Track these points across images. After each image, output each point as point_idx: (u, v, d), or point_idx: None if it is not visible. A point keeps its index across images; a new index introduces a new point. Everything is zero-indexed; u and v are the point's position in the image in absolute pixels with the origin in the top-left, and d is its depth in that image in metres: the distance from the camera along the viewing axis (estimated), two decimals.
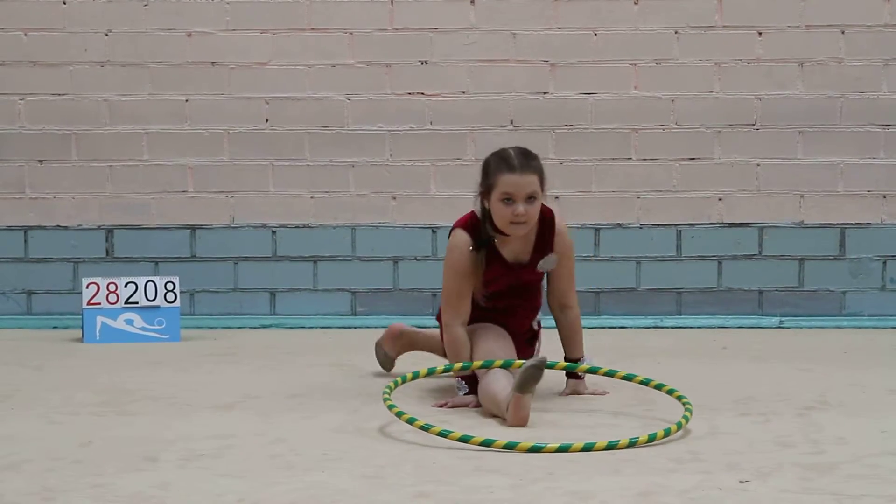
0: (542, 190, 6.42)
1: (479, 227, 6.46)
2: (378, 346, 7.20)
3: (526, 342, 6.75)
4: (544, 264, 6.54)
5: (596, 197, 8.48)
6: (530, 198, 6.38)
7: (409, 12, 8.43)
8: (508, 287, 6.56)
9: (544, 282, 6.63)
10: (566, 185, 8.35)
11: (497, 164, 6.41)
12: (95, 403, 6.59)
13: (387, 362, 7.19)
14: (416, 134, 8.51)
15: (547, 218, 6.52)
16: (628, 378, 6.43)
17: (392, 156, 8.56)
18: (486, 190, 6.42)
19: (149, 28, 8.52)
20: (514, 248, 6.51)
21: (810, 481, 5.32)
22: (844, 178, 8.51)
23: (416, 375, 6.44)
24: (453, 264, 6.49)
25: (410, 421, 5.98)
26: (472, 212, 6.49)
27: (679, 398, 6.24)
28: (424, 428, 5.90)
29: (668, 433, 5.84)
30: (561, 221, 6.54)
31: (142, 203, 8.57)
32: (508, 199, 6.35)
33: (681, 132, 8.51)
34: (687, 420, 6.01)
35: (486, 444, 5.74)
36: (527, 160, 6.41)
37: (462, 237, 6.48)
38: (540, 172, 6.42)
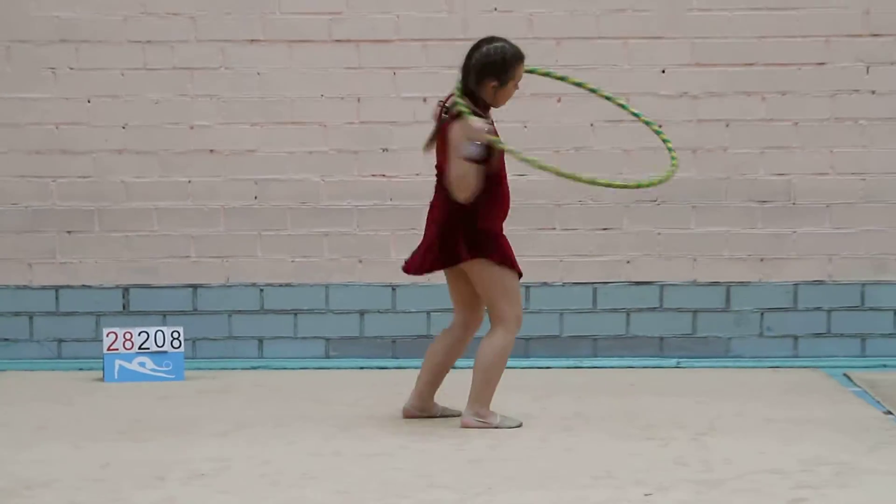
0: None
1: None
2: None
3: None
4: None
5: (527, 260, 8.47)
6: None
7: (373, 109, 8.47)
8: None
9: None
10: None
11: (514, 55, 6.45)
12: (114, 432, 6.59)
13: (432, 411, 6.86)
14: (378, 208, 8.53)
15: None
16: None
17: (359, 226, 8.58)
18: (504, 78, 6.41)
19: (158, 122, 8.52)
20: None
21: (702, 494, 5.38)
22: (729, 245, 8.55)
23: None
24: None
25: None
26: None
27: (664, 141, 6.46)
28: None
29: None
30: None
31: (152, 266, 8.55)
32: (518, 86, 6.50)
33: (596, 207, 8.55)
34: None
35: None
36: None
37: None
38: None
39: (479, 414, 6.59)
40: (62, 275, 8.54)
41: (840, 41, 8.47)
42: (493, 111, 6.59)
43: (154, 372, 8.05)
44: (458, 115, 6.33)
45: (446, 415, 6.79)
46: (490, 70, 6.43)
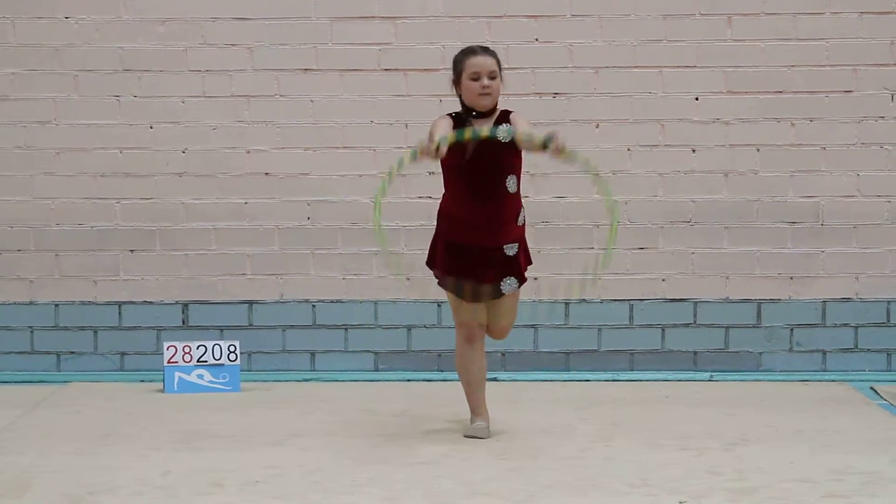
0: (500, 73, 6.47)
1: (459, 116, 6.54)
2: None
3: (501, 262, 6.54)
4: (502, 130, 6.43)
5: (566, 278, 8.48)
6: (492, 76, 6.43)
7: (420, 134, 8.42)
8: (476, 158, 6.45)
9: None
10: (543, 268, 8.33)
11: (463, 53, 6.49)
12: (174, 441, 6.59)
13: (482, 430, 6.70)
14: (425, 228, 8.50)
15: (506, 111, 6.53)
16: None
17: (406, 246, 8.57)
18: (457, 76, 6.47)
19: (216, 147, 8.54)
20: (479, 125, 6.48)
21: (735, 502, 5.33)
22: (760, 264, 8.50)
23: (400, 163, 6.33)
24: (435, 122, 6.53)
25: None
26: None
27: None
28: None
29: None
30: (516, 112, 6.57)
31: (210, 283, 8.56)
32: (476, 77, 6.39)
33: (632, 227, 8.52)
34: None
35: None
36: (486, 49, 6.51)
37: (444, 116, 6.57)
38: (497, 59, 6.49)
39: None
40: (125, 291, 8.56)
41: (866, 70, 8.42)
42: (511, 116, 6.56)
43: (212, 384, 8.06)
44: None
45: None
46: (452, 71, 6.56)
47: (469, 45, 6.69)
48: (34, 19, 8.49)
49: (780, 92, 8.44)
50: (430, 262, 6.71)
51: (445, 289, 6.62)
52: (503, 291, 6.54)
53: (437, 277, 6.65)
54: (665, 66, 8.46)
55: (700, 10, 8.43)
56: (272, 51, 8.50)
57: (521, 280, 6.60)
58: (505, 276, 6.54)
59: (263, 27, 8.49)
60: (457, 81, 6.51)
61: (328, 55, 8.51)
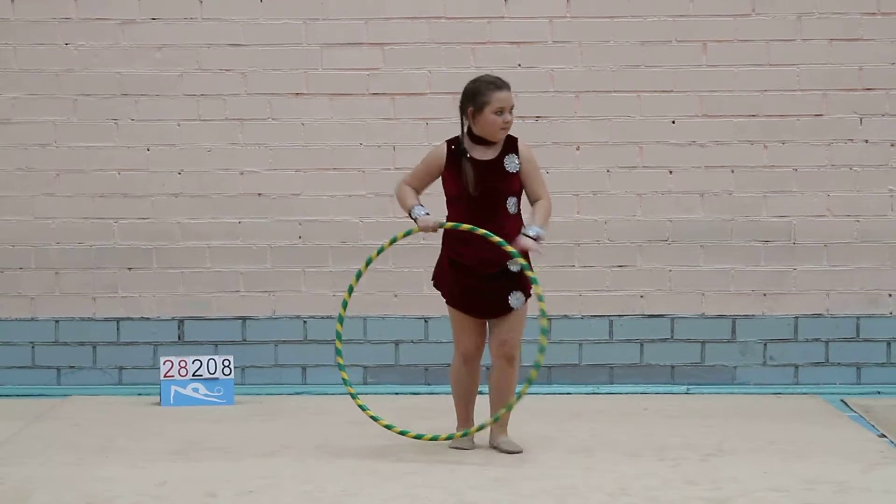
0: None
1: (458, 141, 6.50)
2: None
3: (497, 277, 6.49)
4: (509, 161, 6.45)
5: (548, 294, 8.47)
6: (511, 110, 6.45)
7: (407, 156, 8.46)
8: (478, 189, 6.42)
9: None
10: None
11: (487, 85, 6.41)
12: (169, 452, 6.60)
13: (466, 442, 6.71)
14: (412, 247, 8.53)
15: (512, 138, 6.52)
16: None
17: (394, 264, 8.58)
18: (477, 107, 6.38)
19: (211, 168, 8.55)
20: (484, 152, 6.49)
21: None
22: (735, 281, 8.53)
23: (380, 250, 6.59)
24: (426, 157, 6.56)
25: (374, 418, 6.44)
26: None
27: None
28: (388, 427, 6.42)
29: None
30: (523, 142, 6.54)
31: (205, 300, 8.57)
32: (500, 112, 6.37)
33: (612, 246, 8.54)
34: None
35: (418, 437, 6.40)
36: (505, 82, 6.47)
37: (441, 146, 6.54)
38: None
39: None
40: (123, 308, 8.57)
41: (836, 94, 8.46)
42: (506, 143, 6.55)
43: (207, 397, 8.06)
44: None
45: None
46: (466, 98, 6.48)
47: (486, 74, 6.64)
48: (35, 45, 8.51)
49: (753, 115, 8.49)
50: (437, 283, 6.68)
51: (455, 308, 6.58)
52: (512, 306, 6.54)
53: (444, 297, 6.62)
54: (643, 91, 8.50)
55: (676, 37, 8.47)
56: (265, 76, 8.53)
57: (527, 295, 6.57)
58: (512, 291, 6.53)
59: (256, 53, 8.52)
60: (476, 111, 6.42)
61: (319, 80, 8.53)
